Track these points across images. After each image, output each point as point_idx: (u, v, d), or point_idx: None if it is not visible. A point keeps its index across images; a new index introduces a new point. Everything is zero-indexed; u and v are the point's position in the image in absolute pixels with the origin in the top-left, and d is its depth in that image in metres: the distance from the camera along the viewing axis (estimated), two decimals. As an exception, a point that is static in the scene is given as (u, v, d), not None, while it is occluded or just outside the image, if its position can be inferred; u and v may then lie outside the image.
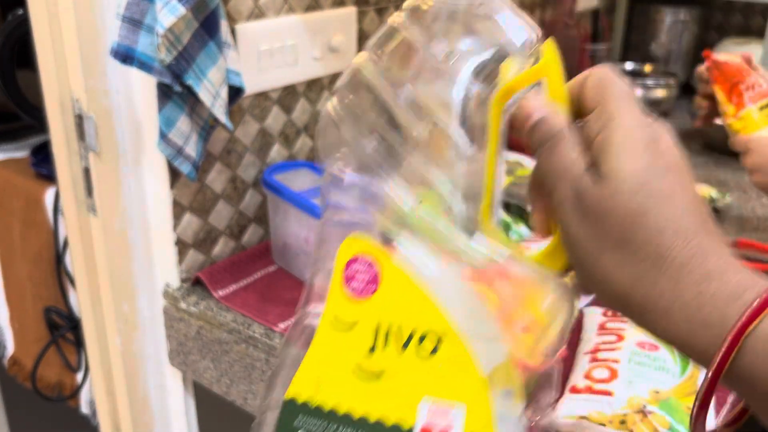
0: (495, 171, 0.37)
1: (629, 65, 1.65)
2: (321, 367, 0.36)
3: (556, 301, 0.34)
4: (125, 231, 0.82)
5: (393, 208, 0.36)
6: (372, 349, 0.35)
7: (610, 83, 0.35)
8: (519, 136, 0.36)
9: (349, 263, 0.36)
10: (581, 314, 0.71)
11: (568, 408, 0.58)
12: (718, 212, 1.03)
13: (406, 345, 0.34)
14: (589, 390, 0.59)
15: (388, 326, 0.35)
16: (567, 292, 0.35)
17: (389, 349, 0.34)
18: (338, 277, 0.36)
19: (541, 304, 0.34)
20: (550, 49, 0.36)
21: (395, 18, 0.37)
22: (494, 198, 0.37)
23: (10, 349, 1.20)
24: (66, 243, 1.03)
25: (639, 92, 1.50)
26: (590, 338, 0.66)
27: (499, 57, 0.36)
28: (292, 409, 0.36)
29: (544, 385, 0.35)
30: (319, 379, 0.36)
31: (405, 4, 0.37)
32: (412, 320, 0.34)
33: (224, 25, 0.71)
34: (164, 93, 0.69)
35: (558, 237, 0.35)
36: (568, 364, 0.63)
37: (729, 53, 0.93)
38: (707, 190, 1.02)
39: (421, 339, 0.34)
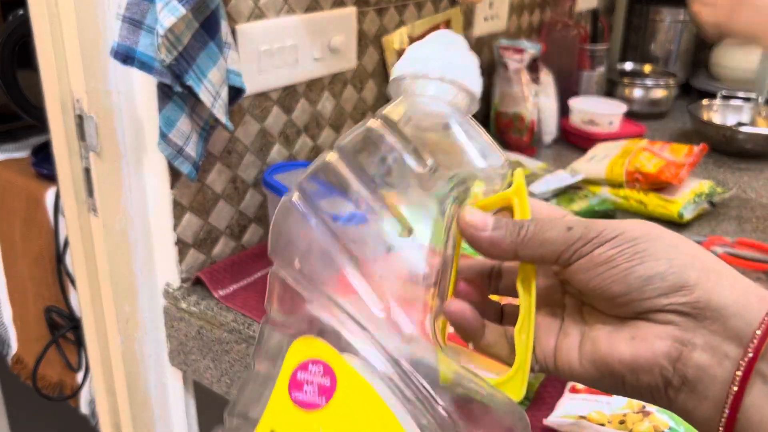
0: (454, 288, 0.36)
1: (628, 65, 1.65)
2: None
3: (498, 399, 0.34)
4: (126, 231, 0.82)
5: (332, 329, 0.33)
6: None
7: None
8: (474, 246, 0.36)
9: (298, 369, 0.32)
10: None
11: (568, 408, 0.58)
12: (714, 206, 1.03)
13: None
14: (589, 390, 0.59)
15: None
16: (520, 414, 0.34)
17: None
18: (282, 388, 0.32)
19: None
20: (520, 176, 0.37)
21: (372, 123, 0.37)
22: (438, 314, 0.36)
23: (14, 347, 1.20)
24: (66, 243, 1.03)
25: (639, 93, 1.50)
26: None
27: (469, 176, 0.36)
28: None
29: None
30: None
31: (379, 112, 0.37)
32: None
33: (224, 26, 0.71)
34: (165, 93, 0.69)
35: (520, 360, 0.35)
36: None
37: None
38: (705, 184, 1.02)
39: None
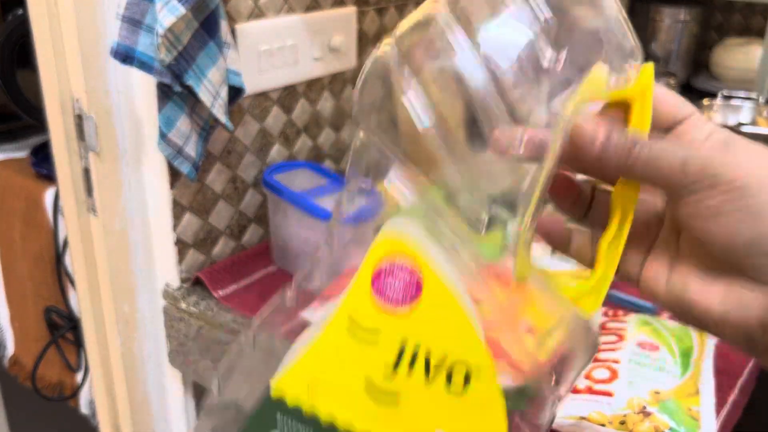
0: (546, 185, 0.32)
1: (629, 65, 1.65)
2: (322, 370, 0.32)
3: (568, 321, 0.32)
4: (125, 231, 0.82)
5: (391, 204, 0.32)
6: (395, 367, 0.30)
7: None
8: (576, 158, 0.32)
9: (382, 266, 0.31)
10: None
11: (568, 408, 0.58)
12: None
13: (429, 371, 0.30)
14: (589, 390, 0.59)
15: (417, 346, 0.30)
16: (589, 330, 0.33)
17: (414, 373, 0.30)
18: (365, 279, 0.32)
19: (550, 315, 0.32)
20: (648, 74, 0.33)
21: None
22: (537, 213, 0.32)
23: (11, 348, 1.20)
24: (66, 243, 1.03)
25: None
26: (590, 338, 0.66)
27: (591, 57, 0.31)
28: (275, 409, 0.33)
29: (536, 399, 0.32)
30: (316, 383, 0.32)
31: None
32: (447, 346, 0.30)
33: (224, 25, 0.71)
34: (164, 93, 0.69)
35: (600, 274, 0.32)
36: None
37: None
38: None
39: (450, 370, 0.30)
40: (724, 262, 0.31)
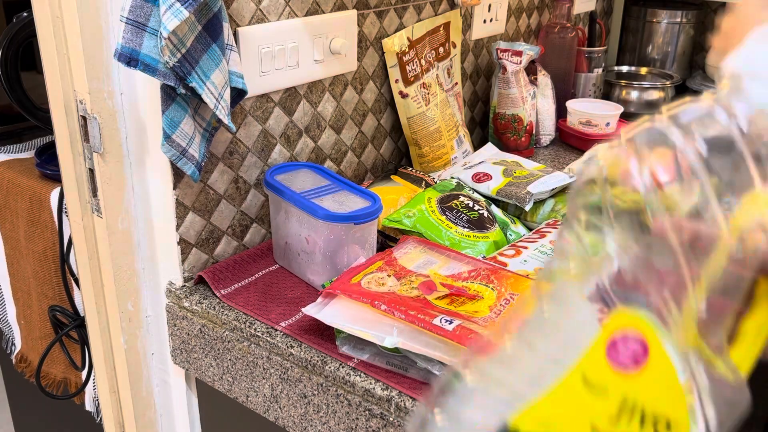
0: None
1: (625, 67, 1.66)
2: (555, 414, 0.37)
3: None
4: (129, 231, 0.83)
5: None
6: (617, 419, 0.35)
7: None
8: None
9: (619, 334, 0.36)
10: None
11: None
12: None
13: (645, 424, 0.35)
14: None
15: (635, 405, 0.35)
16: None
17: (632, 426, 0.35)
18: (602, 342, 0.37)
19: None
20: None
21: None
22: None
23: (19, 345, 1.21)
24: (70, 242, 1.04)
25: (635, 94, 1.51)
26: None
27: None
28: None
29: None
30: (549, 424, 0.37)
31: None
32: (663, 409, 0.35)
33: (227, 28, 0.72)
34: (168, 95, 0.70)
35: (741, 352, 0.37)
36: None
37: None
38: None
39: (656, 423, 0.35)
40: None
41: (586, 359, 0.37)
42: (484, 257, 0.84)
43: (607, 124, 1.30)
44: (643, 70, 1.63)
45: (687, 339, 0.36)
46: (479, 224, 0.89)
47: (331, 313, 0.69)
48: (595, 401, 0.36)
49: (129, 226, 0.82)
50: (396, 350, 0.67)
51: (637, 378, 0.36)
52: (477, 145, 1.26)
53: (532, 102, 1.26)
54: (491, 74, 1.32)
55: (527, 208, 0.95)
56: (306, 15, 0.88)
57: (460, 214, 0.89)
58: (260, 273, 0.85)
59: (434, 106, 1.10)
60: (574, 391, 0.37)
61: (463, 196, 0.93)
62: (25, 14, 1.10)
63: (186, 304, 0.81)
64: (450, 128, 1.14)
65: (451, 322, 0.62)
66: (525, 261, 0.82)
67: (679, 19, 1.64)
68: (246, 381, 0.77)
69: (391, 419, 0.65)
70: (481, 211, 0.91)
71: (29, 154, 1.18)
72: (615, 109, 1.32)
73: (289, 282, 0.83)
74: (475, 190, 1.01)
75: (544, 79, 1.31)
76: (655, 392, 0.35)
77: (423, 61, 1.08)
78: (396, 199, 0.95)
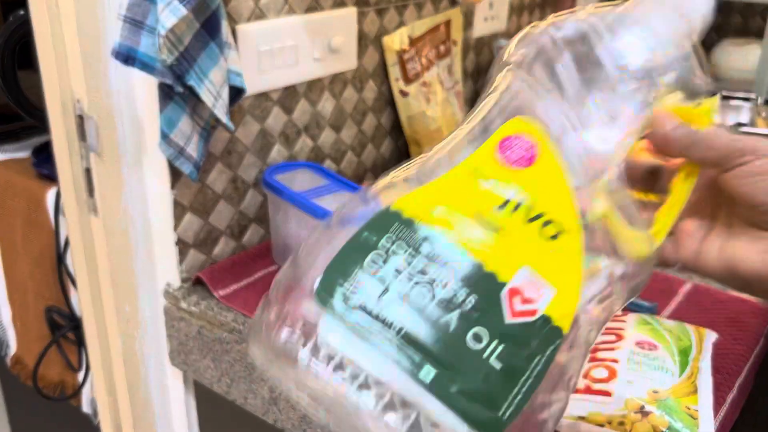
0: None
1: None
2: (440, 199, 0.37)
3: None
4: (126, 231, 0.82)
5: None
6: (500, 207, 0.36)
7: None
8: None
9: (509, 136, 0.38)
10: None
11: (567, 408, 0.58)
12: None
13: (531, 220, 0.36)
14: (588, 390, 0.59)
15: (522, 198, 0.37)
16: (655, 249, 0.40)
17: (516, 215, 0.36)
18: (492, 143, 0.38)
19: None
20: (713, 102, 0.42)
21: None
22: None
23: (13, 348, 1.20)
24: (67, 243, 1.03)
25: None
26: (589, 338, 0.66)
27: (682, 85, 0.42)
28: (392, 219, 0.37)
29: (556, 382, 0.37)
30: (432, 205, 0.37)
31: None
32: (547, 205, 0.37)
33: (225, 26, 0.71)
34: (166, 94, 0.69)
35: (658, 229, 0.41)
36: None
37: None
38: None
39: (546, 223, 0.36)
40: (765, 218, 0.39)
41: (478, 153, 0.39)
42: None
43: (609, 123, 1.29)
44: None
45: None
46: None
47: (331, 315, 0.68)
48: (483, 190, 0.37)
49: (126, 227, 0.82)
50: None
51: (524, 173, 0.37)
52: (478, 145, 1.25)
53: (533, 101, 1.25)
54: (492, 73, 1.31)
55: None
56: (305, 12, 0.87)
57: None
58: (259, 274, 0.84)
59: (435, 105, 1.09)
60: (461, 179, 0.38)
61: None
62: (21, 12, 1.09)
63: (184, 305, 0.80)
64: (451, 127, 1.13)
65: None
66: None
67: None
68: (244, 383, 0.77)
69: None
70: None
71: (26, 154, 1.17)
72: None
73: (289, 283, 0.82)
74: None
75: (545, 77, 1.31)
76: (542, 191, 0.37)
77: (424, 60, 1.07)
78: (396, 199, 0.94)
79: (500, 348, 0.34)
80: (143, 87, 0.75)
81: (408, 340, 0.34)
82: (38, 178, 1.09)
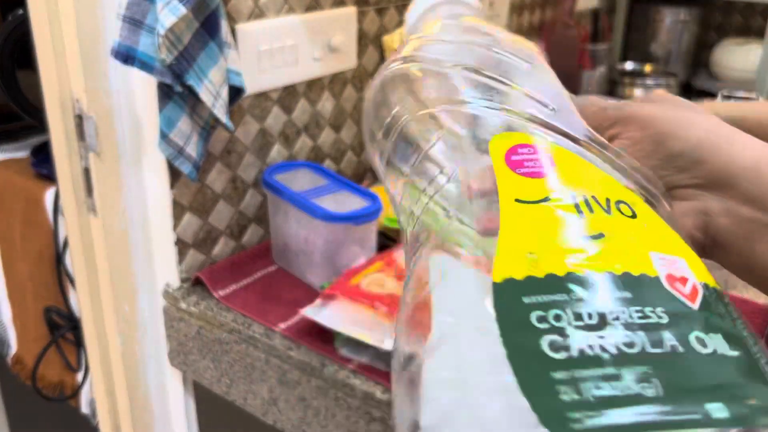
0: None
1: (629, 65, 1.65)
2: (526, 242, 0.32)
3: None
4: (125, 231, 0.82)
5: None
6: (579, 213, 0.33)
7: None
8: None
9: (510, 153, 0.35)
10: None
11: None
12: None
13: (608, 210, 0.34)
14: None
15: (582, 195, 0.34)
16: None
17: (596, 213, 0.33)
18: (502, 167, 0.35)
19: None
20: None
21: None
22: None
23: (14, 347, 1.20)
24: (66, 243, 1.03)
25: (639, 92, 1.50)
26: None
27: None
28: (512, 290, 0.31)
29: None
30: (529, 252, 0.32)
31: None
32: (600, 190, 0.34)
33: (224, 25, 0.71)
34: (165, 93, 0.69)
35: None
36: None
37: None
38: None
39: (617, 203, 0.34)
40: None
41: (502, 184, 0.35)
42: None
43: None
44: (648, 68, 1.62)
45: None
46: (481, 224, 0.88)
47: (331, 315, 0.68)
48: (548, 209, 0.34)
49: (125, 227, 0.81)
50: (397, 353, 0.66)
51: (555, 174, 0.35)
52: (478, 144, 1.25)
53: (533, 100, 1.25)
54: (493, 72, 1.31)
55: None
56: (305, 12, 0.87)
57: (462, 214, 0.88)
58: (258, 274, 0.84)
59: (435, 105, 1.09)
60: (518, 212, 0.34)
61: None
62: (20, 12, 1.09)
63: (183, 306, 0.80)
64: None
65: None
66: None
67: (682, 18, 1.63)
68: (244, 383, 0.76)
69: (392, 422, 0.64)
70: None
71: (25, 154, 1.17)
72: (618, 108, 1.31)
73: (288, 283, 0.82)
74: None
75: (546, 77, 1.30)
76: (583, 180, 0.35)
77: (424, 59, 1.07)
78: (396, 198, 0.94)
79: (717, 337, 0.29)
80: (142, 86, 0.74)
81: (670, 393, 0.28)
82: (37, 177, 1.09)
